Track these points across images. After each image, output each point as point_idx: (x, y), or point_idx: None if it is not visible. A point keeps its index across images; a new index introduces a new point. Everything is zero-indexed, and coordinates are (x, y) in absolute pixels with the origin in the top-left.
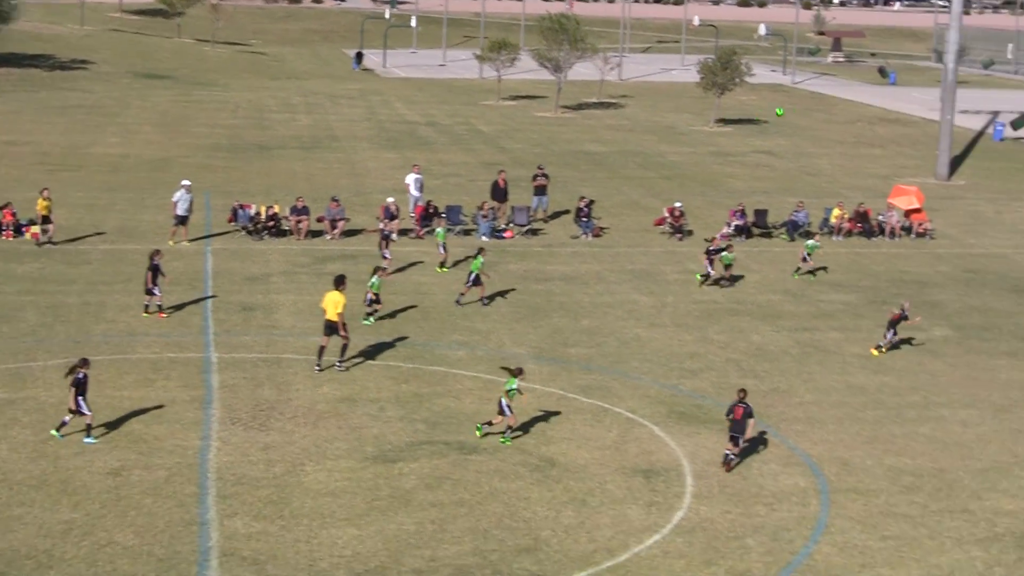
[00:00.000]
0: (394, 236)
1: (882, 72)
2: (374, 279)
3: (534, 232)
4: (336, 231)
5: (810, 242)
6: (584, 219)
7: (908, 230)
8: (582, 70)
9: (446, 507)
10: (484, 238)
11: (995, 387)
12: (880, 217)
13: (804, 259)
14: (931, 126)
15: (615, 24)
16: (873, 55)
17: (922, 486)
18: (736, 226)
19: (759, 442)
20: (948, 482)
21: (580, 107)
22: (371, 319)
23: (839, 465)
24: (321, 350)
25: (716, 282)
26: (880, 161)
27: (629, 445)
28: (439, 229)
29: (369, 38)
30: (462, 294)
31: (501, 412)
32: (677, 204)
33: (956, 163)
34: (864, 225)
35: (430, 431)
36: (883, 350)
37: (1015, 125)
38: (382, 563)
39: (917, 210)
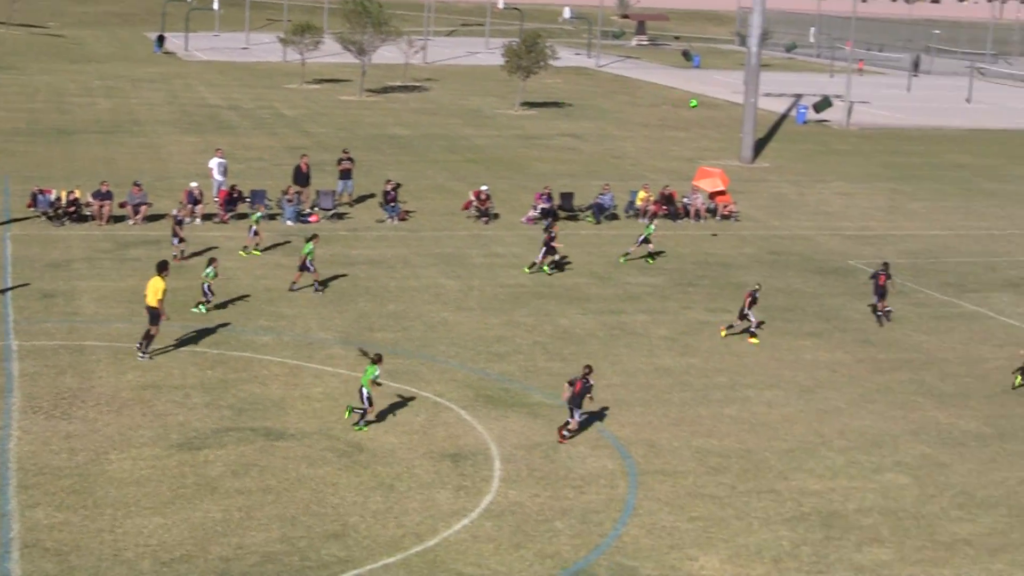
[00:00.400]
0: (198, 220)
1: (686, 55)
2: (208, 269)
3: (340, 216)
4: (138, 216)
5: (651, 226)
6: (391, 203)
7: (713, 212)
8: (386, 53)
9: (253, 494)
10: (289, 223)
11: (800, 368)
12: (685, 199)
13: (644, 242)
14: (735, 109)
15: (419, 7)
16: (677, 38)
17: (729, 467)
18: (542, 209)
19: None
20: (755, 463)
21: (385, 91)
22: (202, 308)
23: (647, 447)
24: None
25: (555, 264)
26: (685, 144)
27: (437, 429)
28: (257, 214)
29: (171, 21)
30: (316, 280)
31: (364, 401)
32: (483, 188)
33: (760, 146)
34: (670, 208)
35: (236, 417)
36: (755, 337)
37: (817, 108)
38: (188, 552)
39: (722, 192)
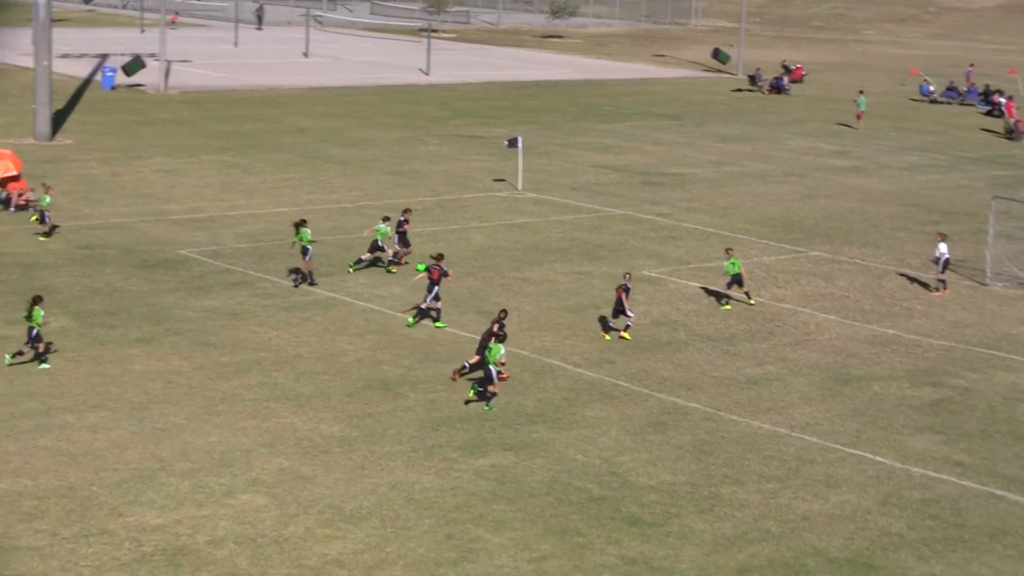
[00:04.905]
0: None
1: None
2: None
3: None
4: None
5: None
6: None
7: (6, 202)
8: None
9: None
10: None
11: (129, 382)
12: None
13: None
14: (25, 74)
15: None
16: None
17: (48, 510)
18: None
19: None
20: (80, 501)
21: None
22: None
23: None
24: None
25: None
26: None
27: None
28: None
29: None
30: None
31: (491, 381)
32: None
33: (60, 119)
34: None
35: None
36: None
37: (128, 70)
38: None
39: (15, 178)
